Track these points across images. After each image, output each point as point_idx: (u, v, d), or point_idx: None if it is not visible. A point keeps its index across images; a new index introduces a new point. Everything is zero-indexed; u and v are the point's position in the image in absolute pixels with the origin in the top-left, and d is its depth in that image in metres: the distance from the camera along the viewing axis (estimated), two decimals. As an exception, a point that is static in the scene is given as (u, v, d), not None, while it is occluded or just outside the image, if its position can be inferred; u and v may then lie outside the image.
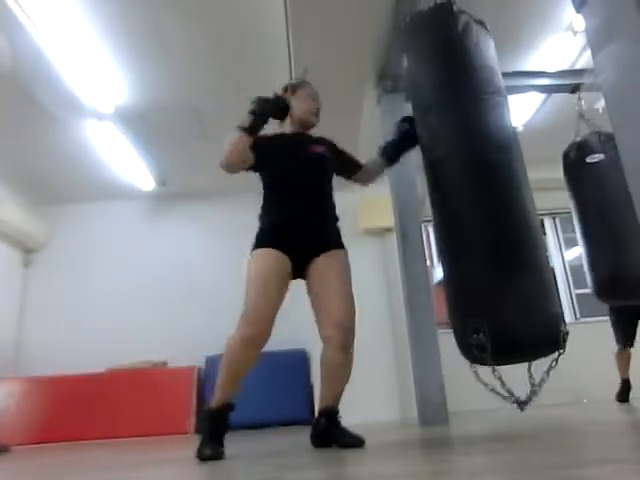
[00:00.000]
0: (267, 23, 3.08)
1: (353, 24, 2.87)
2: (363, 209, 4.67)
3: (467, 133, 1.90)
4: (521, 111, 4.16)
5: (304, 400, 4.14)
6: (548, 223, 5.26)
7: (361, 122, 3.85)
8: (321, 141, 2.16)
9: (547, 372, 1.79)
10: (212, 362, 4.47)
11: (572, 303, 4.97)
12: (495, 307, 1.70)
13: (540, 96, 3.90)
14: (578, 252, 4.95)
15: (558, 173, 3.21)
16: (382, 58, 3.17)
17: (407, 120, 2.24)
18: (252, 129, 1.97)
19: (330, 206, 2.08)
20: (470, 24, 2.05)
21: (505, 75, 3.14)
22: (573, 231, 3.18)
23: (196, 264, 5.12)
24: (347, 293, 1.92)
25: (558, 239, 5.20)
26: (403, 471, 1.17)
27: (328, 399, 1.88)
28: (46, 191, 5.08)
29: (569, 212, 3.18)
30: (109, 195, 5.24)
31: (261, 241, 1.94)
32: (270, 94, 2.07)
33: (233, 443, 1.82)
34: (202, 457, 1.69)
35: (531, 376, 1.82)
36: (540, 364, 1.82)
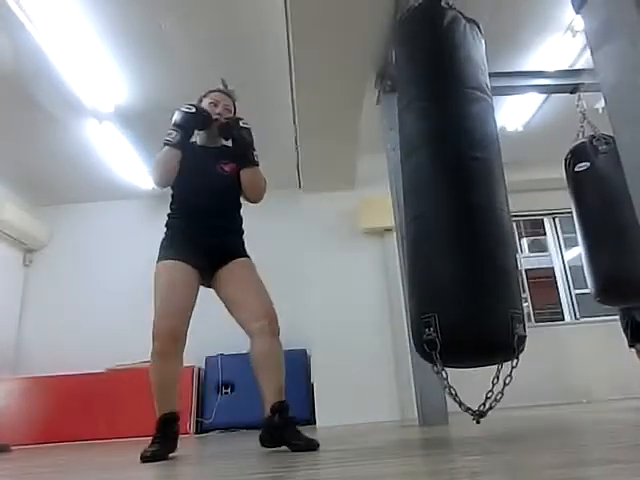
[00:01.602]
0: (267, 23, 3.08)
1: (353, 24, 2.86)
2: (363, 209, 4.66)
3: (442, 126, 1.87)
4: (521, 111, 4.16)
5: (304, 400, 4.13)
6: (548, 223, 5.26)
7: (361, 122, 3.85)
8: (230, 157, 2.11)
9: (504, 382, 1.70)
10: (212, 362, 4.50)
11: (572, 303, 4.97)
12: (449, 302, 1.67)
13: (540, 96, 3.90)
14: (578, 252, 4.97)
15: (558, 173, 3.21)
16: (382, 58, 3.17)
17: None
18: (178, 144, 2.03)
19: (233, 221, 2.11)
20: (458, 20, 1.99)
21: (505, 75, 3.17)
22: (573, 231, 3.19)
23: (196, 264, 5.10)
24: (262, 289, 1.99)
25: (558, 239, 5.19)
26: (403, 471, 1.17)
27: (273, 394, 1.82)
28: (46, 191, 5.08)
29: (569, 212, 3.20)
30: (109, 195, 5.24)
31: (165, 253, 1.98)
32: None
33: (233, 442, 1.82)
34: (144, 457, 1.73)
35: (493, 383, 1.73)
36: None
